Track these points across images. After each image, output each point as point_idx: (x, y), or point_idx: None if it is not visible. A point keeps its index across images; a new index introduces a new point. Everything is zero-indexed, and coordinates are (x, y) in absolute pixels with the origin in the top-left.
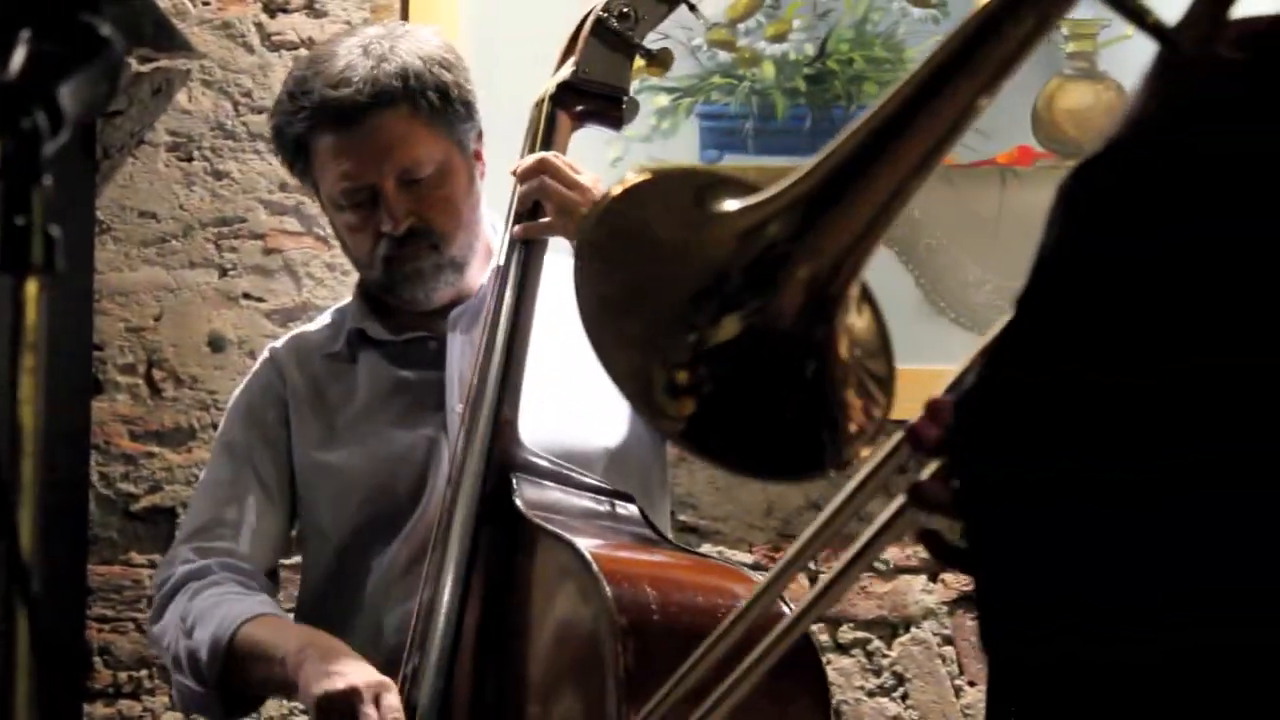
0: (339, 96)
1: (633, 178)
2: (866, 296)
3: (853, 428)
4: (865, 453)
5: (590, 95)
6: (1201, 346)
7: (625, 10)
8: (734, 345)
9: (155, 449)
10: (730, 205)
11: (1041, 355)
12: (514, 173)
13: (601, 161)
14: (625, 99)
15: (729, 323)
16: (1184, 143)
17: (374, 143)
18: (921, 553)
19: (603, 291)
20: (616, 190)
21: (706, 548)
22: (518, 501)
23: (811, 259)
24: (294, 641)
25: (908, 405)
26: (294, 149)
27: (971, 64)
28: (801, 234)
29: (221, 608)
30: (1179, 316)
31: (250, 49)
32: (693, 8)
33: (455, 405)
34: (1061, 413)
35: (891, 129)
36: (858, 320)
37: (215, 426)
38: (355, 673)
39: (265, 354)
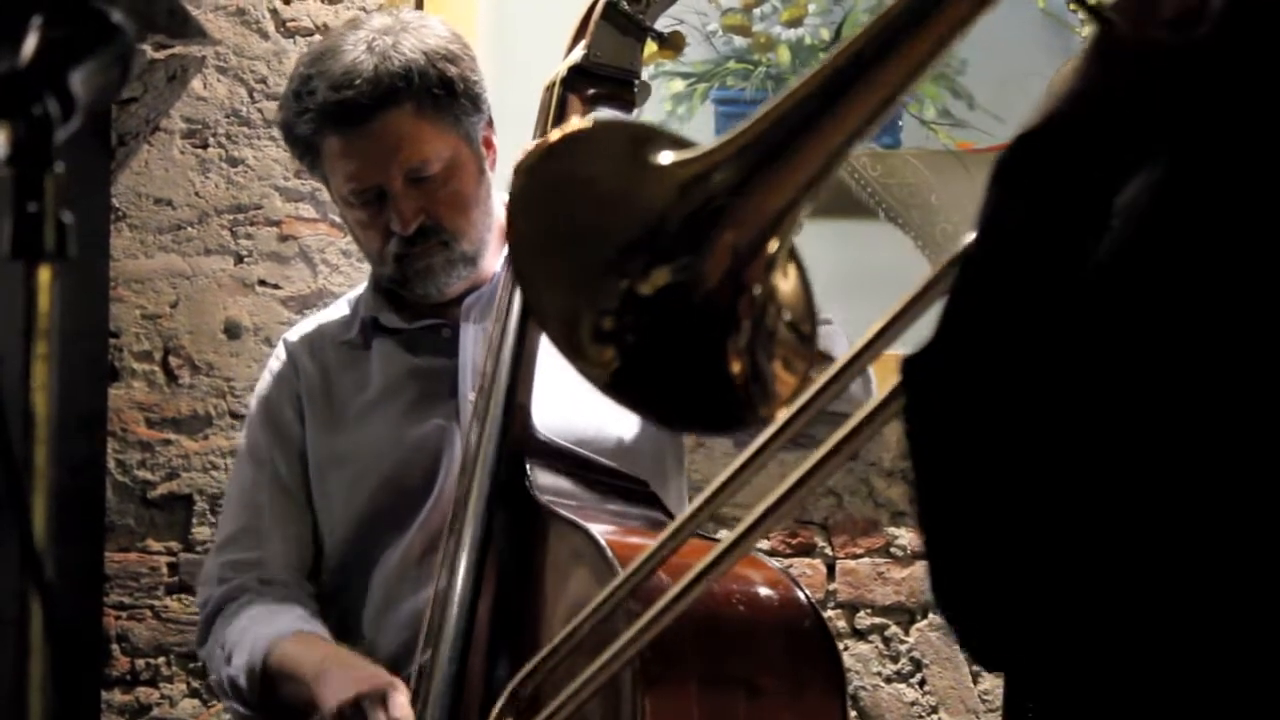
0: (342, 98)
1: (573, 125)
2: (794, 257)
3: (775, 386)
4: (783, 411)
5: (601, 79)
6: (1131, 311)
7: None
8: (662, 297)
9: (172, 436)
10: (671, 157)
11: (981, 316)
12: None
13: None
14: (637, 82)
15: (659, 274)
16: (1118, 118)
17: (380, 143)
18: None
19: (536, 230)
20: (555, 135)
21: (723, 534)
22: (531, 487)
23: (748, 214)
24: (315, 658)
25: None
26: (302, 147)
27: (919, 25)
28: (741, 186)
29: (253, 630)
30: (1112, 284)
31: (265, 35)
32: None
33: (468, 393)
34: (1004, 377)
35: (837, 86)
36: (784, 281)
37: (232, 414)
38: (363, 680)
39: (280, 346)
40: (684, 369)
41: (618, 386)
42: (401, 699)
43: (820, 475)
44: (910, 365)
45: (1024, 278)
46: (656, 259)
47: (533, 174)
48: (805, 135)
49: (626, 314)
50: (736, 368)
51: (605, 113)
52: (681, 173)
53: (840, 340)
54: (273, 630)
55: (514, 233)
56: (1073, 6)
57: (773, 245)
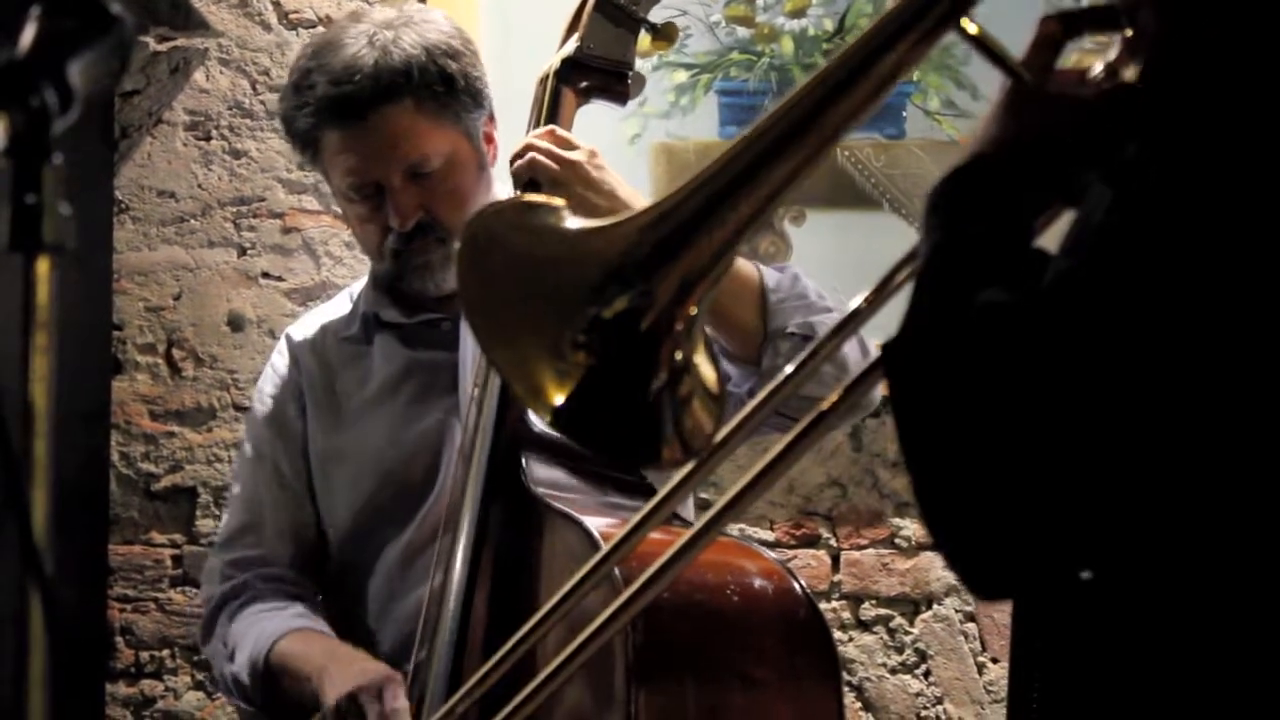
0: (342, 92)
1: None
2: (714, 359)
3: (678, 443)
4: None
5: (595, 71)
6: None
7: None
8: (618, 323)
9: (175, 429)
10: (577, 225)
11: (938, 311)
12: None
13: (620, 138)
14: (630, 74)
15: (620, 301)
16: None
17: (379, 139)
18: None
19: (482, 293)
20: (470, 226)
21: (728, 525)
22: (527, 480)
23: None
24: (318, 654)
25: None
26: (302, 141)
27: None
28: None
29: (256, 627)
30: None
31: (268, 27)
32: None
33: (469, 387)
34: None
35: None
36: (705, 367)
37: (235, 406)
38: (361, 675)
39: (282, 342)
40: (619, 403)
41: (564, 421)
42: (398, 691)
43: (787, 461)
44: (886, 350)
45: (966, 283)
46: (593, 313)
47: (470, 247)
48: (704, 221)
49: (592, 339)
50: (657, 412)
51: (598, 105)
52: (597, 242)
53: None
54: (275, 627)
55: (464, 297)
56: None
57: (691, 309)
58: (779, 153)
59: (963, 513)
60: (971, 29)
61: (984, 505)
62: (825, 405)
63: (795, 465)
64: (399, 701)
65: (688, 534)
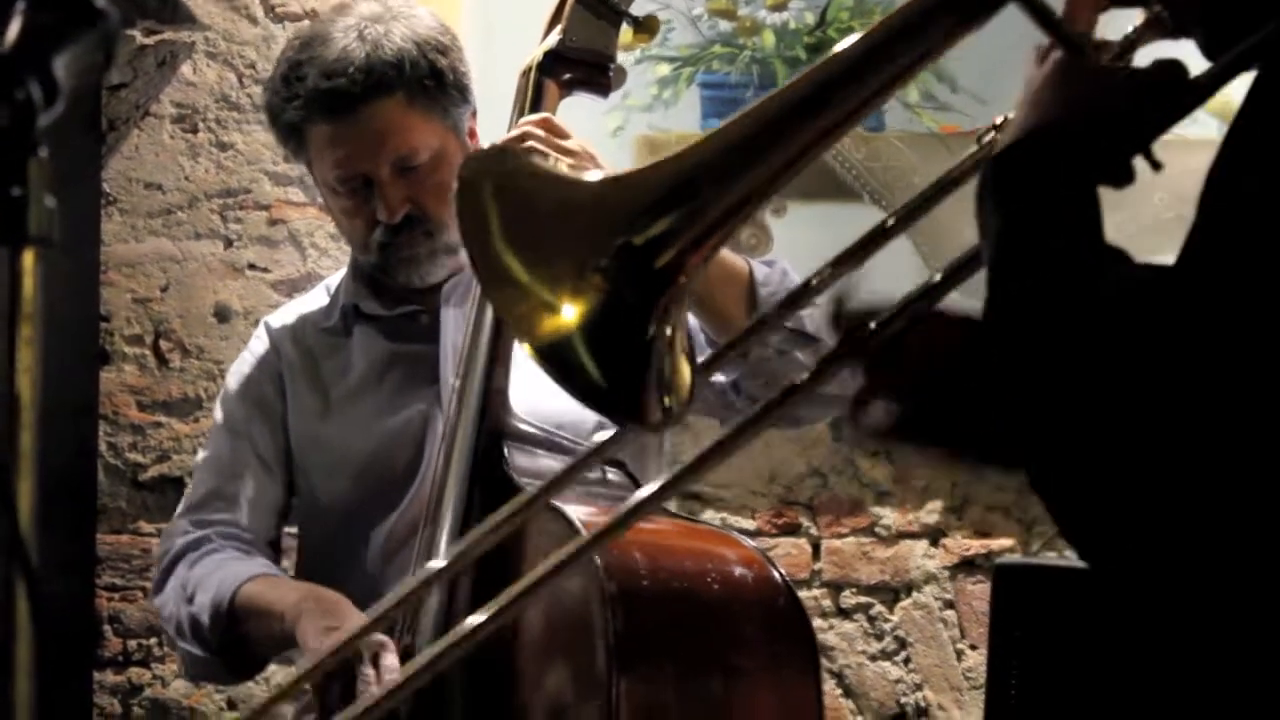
0: (334, 86)
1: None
2: (691, 356)
3: (658, 400)
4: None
5: (577, 63)
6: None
7: None
8: (644, 250)
9: (163, 419)
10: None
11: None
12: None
13: (603, 131)
14: (612, 66)
15: (659, 225)
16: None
17: (369, 132)
18: (923, 518)
19: (500, 220)
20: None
21: (710, 514)
22: (509, 470)
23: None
24: (293, 596)
25: None
26: (288, 133)
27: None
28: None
29: (220, 571)
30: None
31: (254, 20)
32: None
33: (449, 378)
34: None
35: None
36: (681, 357)
37: None
38: (352, 626)
39: (260, 329)
40: (607, 346)
41: (552, 356)
42: (393, 660)
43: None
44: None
45: (1040, 266)
46: (621, 240)
47: (489, 175)
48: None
49: (587, 279)
50: (647, 359)
51: (580, 97)
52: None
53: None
54: (242, 570)
55: (465, 218)
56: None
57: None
58: (812, 114)
59: (1079, 487)
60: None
61: (1101, 481)
62: (796, 382)
63: (773, 453)
64: (394, 668)
65: (651, 488)
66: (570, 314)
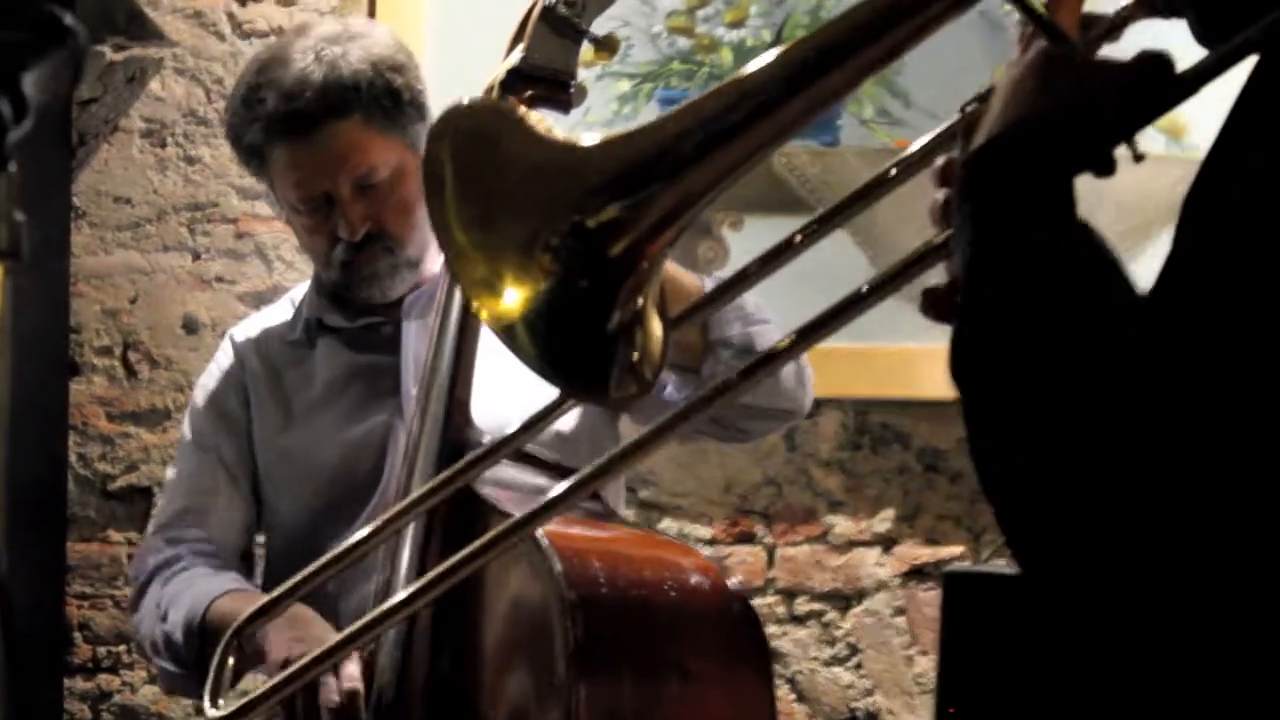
0: (292, 108)
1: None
2: (665, 315)
3: (624, 383)
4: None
5: (538, 80)
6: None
7: None
8: (597, 234)
9: (132, 429)
10: (594, 139)
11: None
12: None
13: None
14: (573, 84)
15: (610, 210)
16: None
17: (328, 152)
18: (875, 527)
19: (462, 179)
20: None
21: (667, 522)
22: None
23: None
24: None
25: (861, 383)
26: (248, 154)
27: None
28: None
29: (191, 589)
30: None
31: (222, 37)
32: None
33: (411, 389)
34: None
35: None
36: (654, 322)
37: None
38: (317, 637)
39: (225, 342)
40: (567, 326)
41: (510, 331)
42: (354, 669)
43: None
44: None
45: (1020, 262)
46: (576, 219)
47: (455, 131)
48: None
49: (535, 257)
50: (606, 341)
51: (543, 114)
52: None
53: (774, 338)
54: (213, 587)
55: (434, 185)
56: (1015, 18)
57: (660, 247)
58: (795, 90)
59: (1034, 507)
60: None
61: (1060, 501)
62: (728, 380)
63: (729, 463)
64: (354, 682)
65: (576, 477)
66: (520, 292)
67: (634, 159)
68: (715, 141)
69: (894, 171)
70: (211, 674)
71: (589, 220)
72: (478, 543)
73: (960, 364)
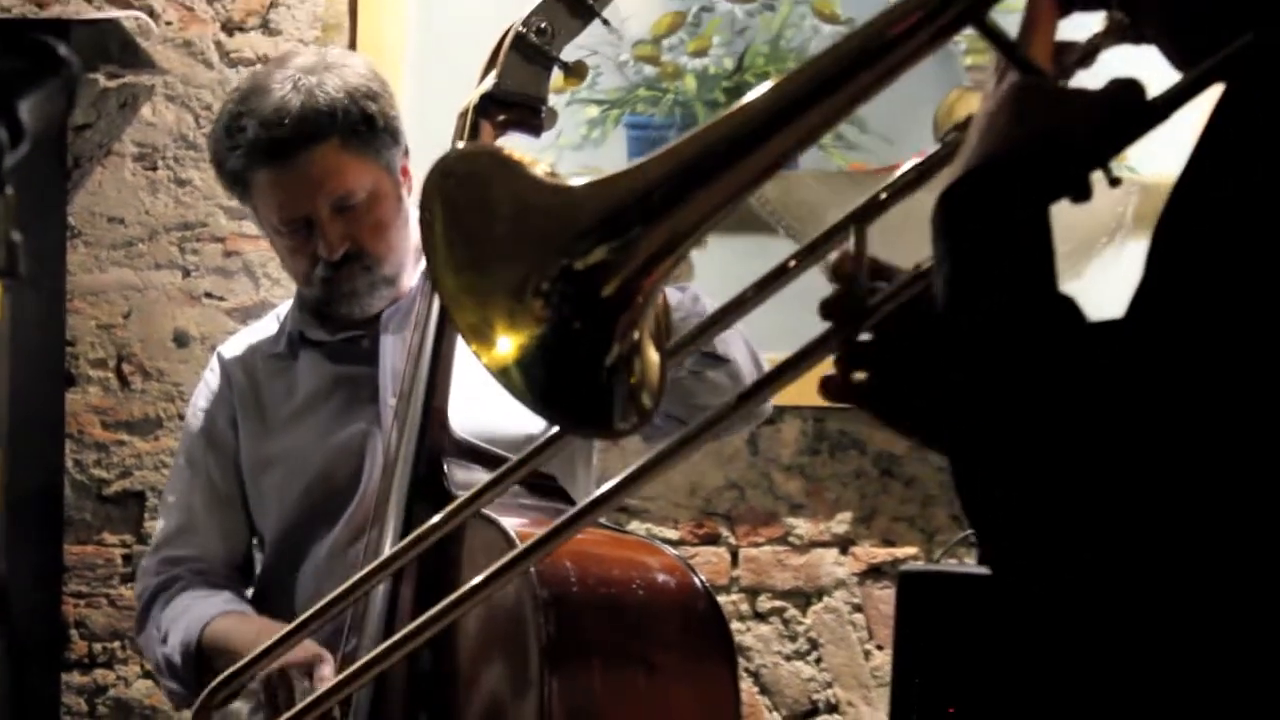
0: (272, 135)
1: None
2: (661, 347)
3: (624, 417)
4: (624, 432)
5: (511, 105)
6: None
7: (543, 26)
8: (585, 277)
9: (125, 437)
10: (580, 181)
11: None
12: None
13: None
14: (544, 108)
15: (597, 252)
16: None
17: (307, 176)
18: (833, 529)
19: (447, 225)
20: (454, 155)
21: (636, 524)
22: (448, 484)
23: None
24: (251, 632)
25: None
26: (231, 179)
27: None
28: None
29: (187, 614)
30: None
31: (210, 65)
32: (606, 23)
33: (389, 399)
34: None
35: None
36: (651, 352)
37: (181, 416)
38: (293, 651)
39: (214, 359)
40: (564, 361)
41: (509, 365)
42: (327, 671)
43: (681, 455)
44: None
45: (1001, 290)
46: (565, 263)
47: (448, 178)
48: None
49: (530, 305)
50: (604, 378)
51: (514, 137)
52: (594, 196)
53: (737, 344)
54: (206, 610)
55: (426, 229)
56: (972, 56)
57: (653, 282)
58: (778, 127)
59: (1013, 521)
60: (988, 21)
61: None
62: (721, 411)
63: (694, 468)
64: (327, 679)
65: (578, 507)
66: (514, 337)
67: (618, 202)
68: (696, 184)
69: (883, 196)
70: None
71: (577, 263)
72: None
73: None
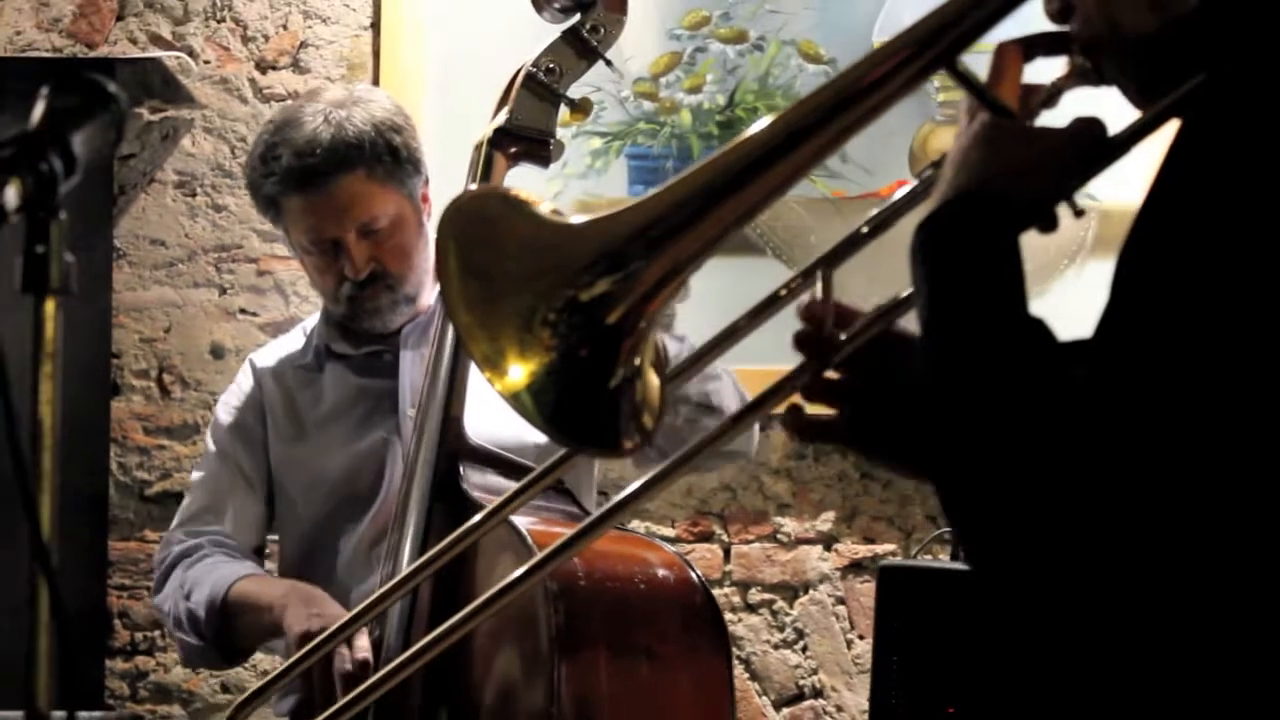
0: (304, 164)
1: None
2: (660, 368)
3: (628, 437)
4: (629, 451)
5: (522, 139)
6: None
7: (551, 66)
8: (590, 306)
9: (166, 442)
10: (581, 219)
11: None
12: None
13: (543, 196)
14: (552, 141)
15: (600, 284)
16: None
17: (336, 202)
18: (818, 527)
19: (461, 266)
20: (471, 194)
21: (636, 523)
22: (464, 485)
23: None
24: (278, 590)
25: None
26: (266, 204)
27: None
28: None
29: (215, 572)
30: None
31: (244, 100)
32: (609, 63)
33: (407, 410)
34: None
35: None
36: (652, 375)
37: None
38: (331, 614)
39: (246, 365)
40: (571, 387)
41: (521, 392)
42: (365, 641)
43: (665, 483)
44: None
45: (979, 316)
46: (569, 294)
47: (461, 217)
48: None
49: (539, 335)
50: (609, 401)
51: (524, 168)
52: (595, 233)
53: (729, 391)
54: (234, 571)
55: (442, 264)
56: (945, 93)
57: (655, 308)
58: (766, 166)
59: (993, 534)
60: (959, 66)
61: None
62: (711, 436)
63: (682, 479)
64: (365, 654)
65: (586, 521)
66: (524, 366)
67: (619, 236)
68: (692, 218)
69: (865, 230)
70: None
71: (582, 295)
72: (507, 583)
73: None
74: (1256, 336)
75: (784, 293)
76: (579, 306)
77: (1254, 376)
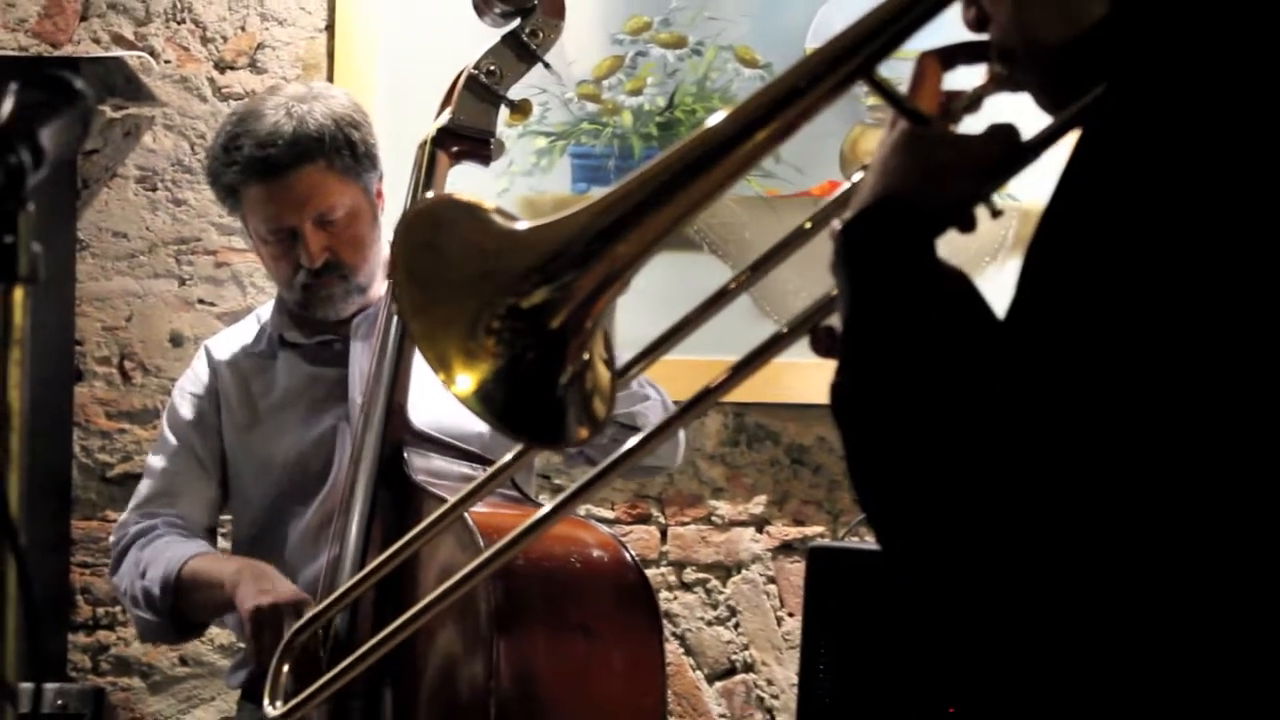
0: (266, 154)
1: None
2: (609, 360)
3: (579, 428)
4: (583, 440)
5: (463, 138)
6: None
7: (492, 68)
8: (514, 330)
9: (127, 426)
10: (525, 225)
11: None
12: None
13: (490, 193)
14: (493, 140)
15: (539, 293)
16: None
17: (295, 192)
18: (751, 510)
19: (415, 272)
20: (422, 204)
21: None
22: (408, 470)
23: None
24: (231, 567)
25: (739, 390)
26: (226, 193)
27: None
28: (587, 254)
29: (168, 551)
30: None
31: (204, 99)
32: (548, 66)
33: (356, 397)
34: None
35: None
36: (601, 367)
37: None
38: (281, 590)
39: (201, 353)
40: (520, 388)
41: (472, 395)
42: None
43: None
44: (836, 393)
45: (895, 313)
46: (511, 301)
47: (416, 223)
48: (628, 228)
49: (484, 341)
50: (558, 397)
51: (467, 166)
52: (536, 238)
53: (656, 413)
54: (187, 549)
55: (395, 273)
56: (873, 97)
57: (598, 309)
58: (695, 175)
59: (906, 526)
60: (876, 77)
61: (927, 522)
62: (639, 440)
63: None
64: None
65: (533, 517)
66: (472, 369)
67: (556, 244)
68: (628, 225)
69: (809, 225)
70: (269, 679)
71: (523, 303)
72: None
73: (842, 404)
74: (1153, 325)
75: (733, 286)
76: (521, 313)
77: (1149, 362)
